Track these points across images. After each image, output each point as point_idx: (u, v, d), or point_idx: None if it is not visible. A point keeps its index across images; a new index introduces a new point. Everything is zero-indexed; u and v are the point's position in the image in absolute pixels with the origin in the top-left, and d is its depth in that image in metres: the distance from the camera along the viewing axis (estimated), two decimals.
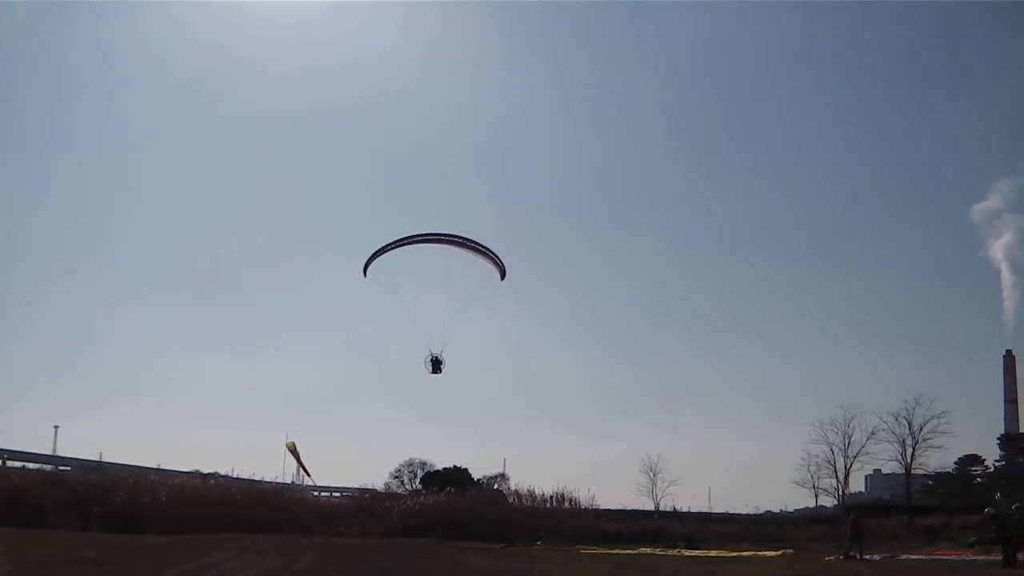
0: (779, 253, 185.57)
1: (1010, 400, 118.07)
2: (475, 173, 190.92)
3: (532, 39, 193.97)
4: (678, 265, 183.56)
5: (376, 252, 41.99)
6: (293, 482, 76.26)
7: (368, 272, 42.00)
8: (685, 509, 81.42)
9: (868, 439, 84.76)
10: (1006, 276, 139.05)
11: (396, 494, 71.89)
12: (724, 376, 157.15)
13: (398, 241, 41.72)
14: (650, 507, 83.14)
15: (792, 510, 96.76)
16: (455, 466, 78.53)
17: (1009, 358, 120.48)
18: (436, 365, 41.14)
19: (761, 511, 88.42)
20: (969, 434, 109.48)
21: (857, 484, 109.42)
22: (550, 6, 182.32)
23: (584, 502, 67.52)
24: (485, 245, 42.29)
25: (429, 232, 42.22)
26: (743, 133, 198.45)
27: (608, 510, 70.40)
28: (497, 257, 42.20)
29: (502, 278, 42.57)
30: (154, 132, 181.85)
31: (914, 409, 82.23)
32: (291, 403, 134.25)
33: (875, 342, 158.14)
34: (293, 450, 73.53)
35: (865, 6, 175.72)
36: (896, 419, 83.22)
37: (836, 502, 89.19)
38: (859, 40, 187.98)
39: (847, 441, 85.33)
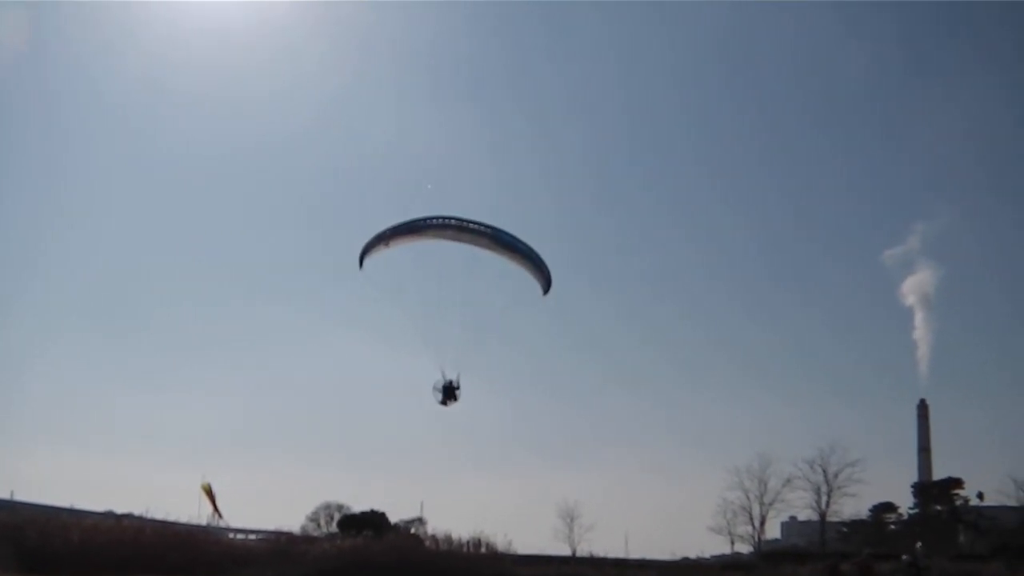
0: (698, 298, 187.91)
1: (924, 448, 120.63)
2: (390, 213, 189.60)
3: (453, 86, 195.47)
4: (597, 308, 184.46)
5: (379, 237, 33.61)
6: (208, 524, 73.92)
7: (366, 263, 34.36)
8: (602, 555, 79.44)
9: (784, 486, 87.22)
10: (919, 322, 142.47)
11: (312, 537, 70.21)
12: (642, 421, 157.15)
13: (411, 225, 33.27)
14: (567, 552, 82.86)
15: (709, 556, 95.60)
16: (372, 509, 77.44)
17: (923, 407, 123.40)
18: (449, 393, 33.45)
19: (678, 557, 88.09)
20: (883, 482, 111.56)
21: (773, 531, 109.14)
22: (471, 56, 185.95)
23: (501, 547, 67.06)
24: (527, 244, 33.83)
25: (451, 216, 33.33)
26: (662, 178, 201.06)
27: (525, 555, 69.38)
28: (542, 263, 34.14)
29: (545, 292, 34.57)
30: (86, 168, 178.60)
31: (829, 457, 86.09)
32: (207, 443, 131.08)
33: (792, 388, 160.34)
34: (208, 491, 71.44)
35: (787, 51, 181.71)
36: (811, 467, 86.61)
37: (752, 549, 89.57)
38: (776, 85, 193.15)
39: (763, 488, 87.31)
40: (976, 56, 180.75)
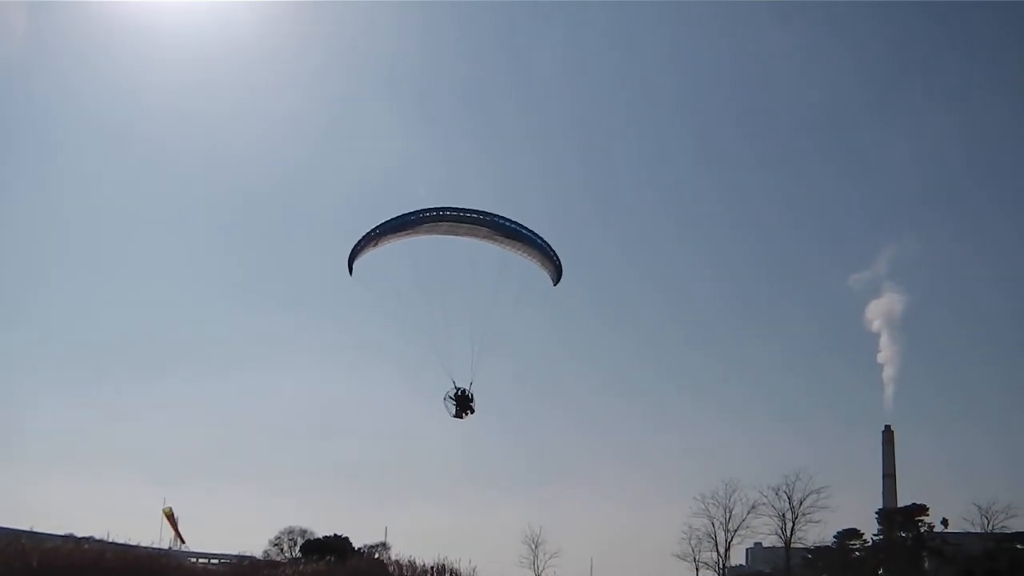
0: (662, 328, 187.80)
1: (888, 475, 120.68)
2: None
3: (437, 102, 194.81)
4: (563, 339, 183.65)
5: (367, 237, 30.81)
6: (170, 548, 72.66)
7: (356, 268, 31.73)
8: None
9: (749, 513, 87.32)
10: (885, 347, 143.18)
11: (275, 562, 68.02)
12: (608, 447, 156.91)
13: (401, 220, 30.46)
14: None
15: None
16: (335, 534, 75.86)
17: (888, 433, 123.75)
18: (463, 404, 30.93)
19: None
20: (848, 508, 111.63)
21: (738, 557, 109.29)
22: (455, 74, 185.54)
23: (465, 573, 65.82)
24: (531, 230, 31.08)
25: (445, 208, 30.56)
26: (619, 213, 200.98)
27: None
28: (550, 250, 31.36)
29: (556, 281, 32.09)
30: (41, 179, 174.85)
31: (794, 484, 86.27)
32: (169, 466, 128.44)
33: (758, 415, 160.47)
34: (170, 516, 71.96)
35: (752, 81, 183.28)
36: (776, 493, 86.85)
37: (717, 575, 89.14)
38: (744, 116, 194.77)
39: (728, 515, 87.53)
40: (944, 86, 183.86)
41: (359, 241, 31.67)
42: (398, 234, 31.32)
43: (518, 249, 31.47)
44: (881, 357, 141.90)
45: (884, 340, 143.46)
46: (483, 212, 30.99)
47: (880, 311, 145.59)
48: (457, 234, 31.29)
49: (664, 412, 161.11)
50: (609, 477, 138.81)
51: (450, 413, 31.45)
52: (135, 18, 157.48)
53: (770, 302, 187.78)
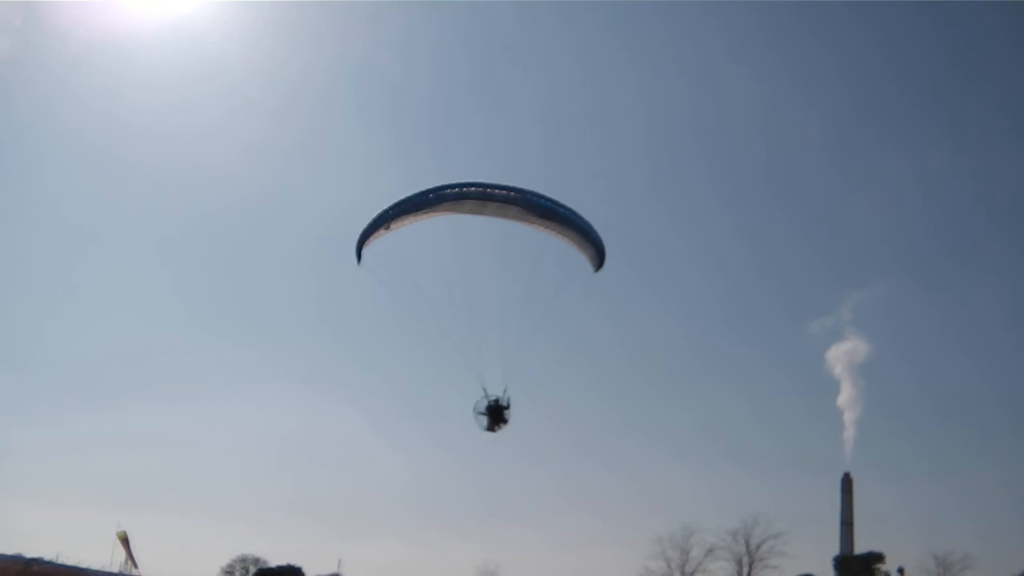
0: (622, 371, 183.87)
1: (846, 522, 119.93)
2: (338, 273, 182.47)
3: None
4: (522, 377, 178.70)
5: (379, 219, 27.19)
6: (121, 572, 73.15)
7: (365, 254, 28.00)
8: None
9: (706, 556, 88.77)
10: (845, 394, 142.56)
11: None
12: (566, 488, 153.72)
13: (420, 199, 26.86)
14: None
15: None
16: (289, 564, 77.66)
17: (846, 480, 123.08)
18: (496, 415, 27.32)
19: None
20: (806, 555, 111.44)
21: None
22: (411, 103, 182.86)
23: None
24: (568, 207, 27.33)
25: (471, 183, 26.70)
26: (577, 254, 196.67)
27: None
28: (591, 230, 27.45)
29: (597, 267, 28.20)
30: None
31: (752, 528, 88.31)
32: (124, 490, 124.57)
33: (717, 460, 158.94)
34: (124, 540, 71.21)
35: (721, 128, 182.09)
36: (734, 538, 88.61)
37: None
38: (701, 162, 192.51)
39: (685, 557, 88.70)
40: (909, 135, 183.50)
41: (369, 224, 27.80)
42: (415, 215, 27.53)
43: (553, 230, 27.65)
44: (841, 403, 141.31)
45: (845, 386, 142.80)
46: (513, 188, 27.18)
47: (841, 357, 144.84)
48: (483, 214, 27.35)
49: (624, 454, 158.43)
50: (567, 517, 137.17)
51: (481, 427, 27.78)
52: (108, 38, 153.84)
53: (732, 346, 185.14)
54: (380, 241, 28.03)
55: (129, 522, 76.26)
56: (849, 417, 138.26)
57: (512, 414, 27.87)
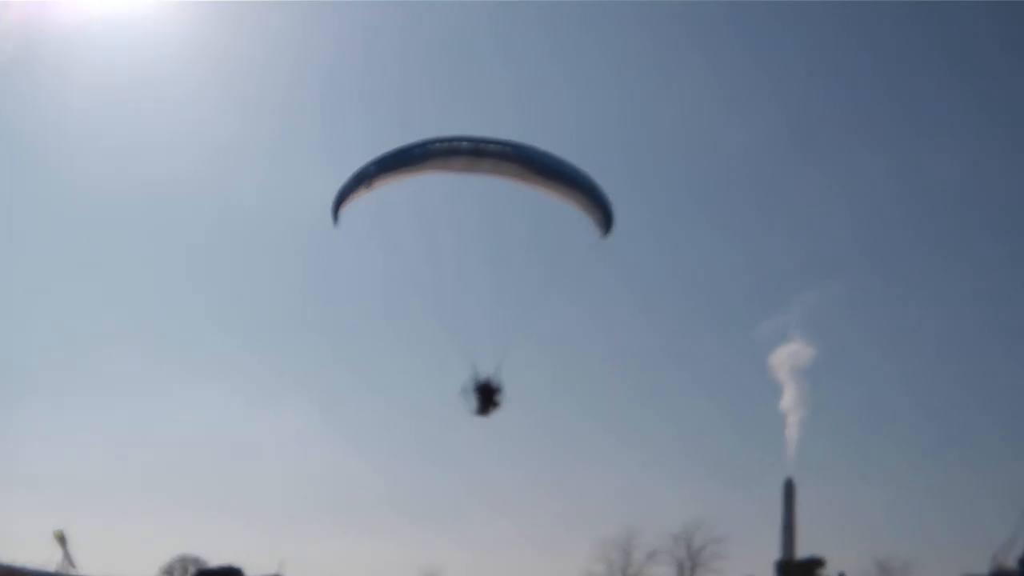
0: (567, 364, 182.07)
1: (788, 527, 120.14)
2: (272, 271, 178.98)
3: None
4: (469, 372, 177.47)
5: (360, 176, 24.78)
6: (58, 571, 72.48)
7: (343, 216, 25.49)
8: None
9: (648, 559, 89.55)
10: (789, 397, 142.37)
11: None
12: (510, 486, 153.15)
13: (405, 154, 24.38)
14: None
15: None
16: (229, 565, 76.55)
17: (789, 485, 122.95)
18: (486, 397, 25.01)
19: None
20: (747, 559, 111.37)
21: None
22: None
23: None
24: (573, 165, 24.94)
25: (462, 137, 24.30)
26: (536, 250, 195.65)
27: None
28: (597, 189, 25.01)
29: (605, 231, 25.47)
30: None
31: (694, 532, 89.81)
32: (61, 488, 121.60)
33: (662, 460, 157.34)
34: (61, 539, 71.02)
35: (670, 126, 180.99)
36: (676, 541, 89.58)
37: None
38: (658, 161, 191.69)
39: (627, 560, 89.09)
40: (859, 133, 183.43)
41: (348, 182, 25.16)
42: (400, 172, 24.82)
43: (556, 190, 24.98)
44: (784, 406, 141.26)
45: (788, 389, 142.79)
46: (510, 142, 24.44)
47: (786, 359, 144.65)
48: (477, 171, 24.73)
49: (568, 456, 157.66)
50: (510, 518, 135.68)
51: (470, 410, 25.33)
52: (60, 41, 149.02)
53: (677, 347, 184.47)
54: (361, 201, 25.31)
55: (67, 521, 75.87)
56: (792, 421, 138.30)
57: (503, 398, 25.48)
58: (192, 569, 79.55)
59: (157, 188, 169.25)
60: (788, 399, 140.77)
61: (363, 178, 24.90)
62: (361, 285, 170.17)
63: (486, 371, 25.08)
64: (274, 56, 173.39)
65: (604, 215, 25.30)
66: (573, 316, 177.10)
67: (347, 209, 25.43)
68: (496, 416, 23.27)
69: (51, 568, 71.29)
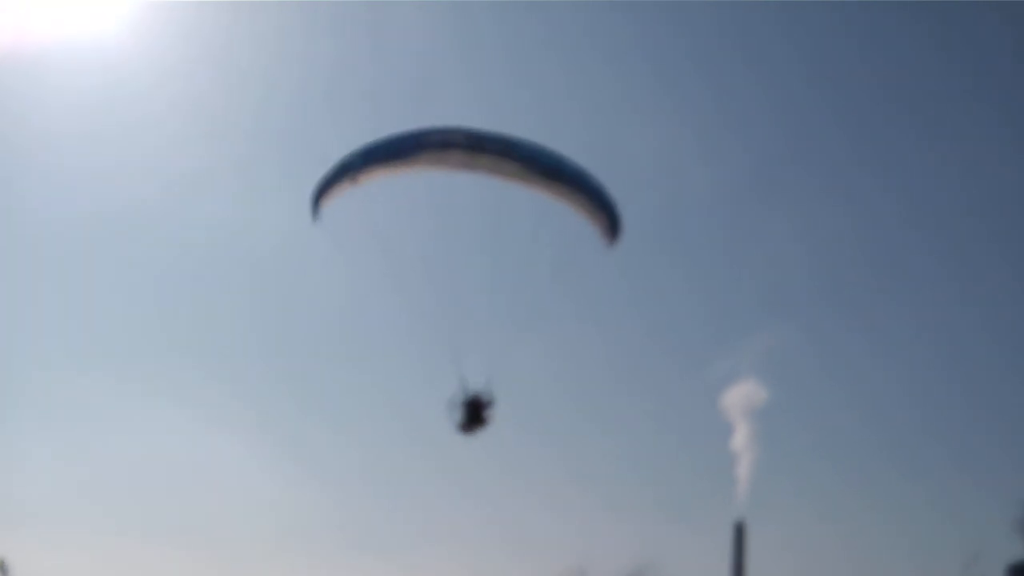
0: (525, 397, 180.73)
1: (738, 571, 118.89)
2: (230, 297, 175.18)
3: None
4: (427, 404, 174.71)
5: (343, 168, 22.75)
6: None
7: (325, 212, 23.45)
8: None
9: None
10: (741, 437, 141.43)
11: None
12: (462, 518, 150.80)
13: (395, 146, 22.55)
14: None
15: None
16: None
17: (739, 528, 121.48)
18: (473, 414, 22.79)
19: None
20: None
21: None
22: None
23: None
24: (578, 166, 23.24)
25: (458, 129, 22.35)
26: (494, 283, 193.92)
27: None
28: (603, 193, 23.32)
29: (612, 239, 23.89)
30: None
31: (644, 573, 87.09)
32: (5, 514, 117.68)
33: (615, 498, 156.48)
34: (2, 567, 66.12)
35: (632, 164, 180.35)
36: None
37: None
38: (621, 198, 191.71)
39: None
40: (820, 175, 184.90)
41: (331, 173, 23.02)
42: (388, 165, 22.70)
43: (558, 192, 23.08)
44: (736, 447, 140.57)
45: (740, 430, 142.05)
46: (510, 140, 22.56)
47: (738, 400, 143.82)
48: (473, 169, 22.73)
49: (516, 490, 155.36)
50: (462, 550, 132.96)
51: (454, 423, 22.97)
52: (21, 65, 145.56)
53: (634, 385, 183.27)
54: (345, 196, 23.19)
55: (8, 548, 70.47)
56: (744, 461, 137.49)
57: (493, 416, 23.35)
58: None
59: (114, 214, 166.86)
60: (740, 439, 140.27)
61: (347, 170, 22.76)
62: (317, 311, 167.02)
63: (475, 385, 22.98)
64: (241, 81, 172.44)
65: (610, 221, 23.68)
66: (525, 348, 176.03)
67: (331, 204, 23.15)
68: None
69: None
